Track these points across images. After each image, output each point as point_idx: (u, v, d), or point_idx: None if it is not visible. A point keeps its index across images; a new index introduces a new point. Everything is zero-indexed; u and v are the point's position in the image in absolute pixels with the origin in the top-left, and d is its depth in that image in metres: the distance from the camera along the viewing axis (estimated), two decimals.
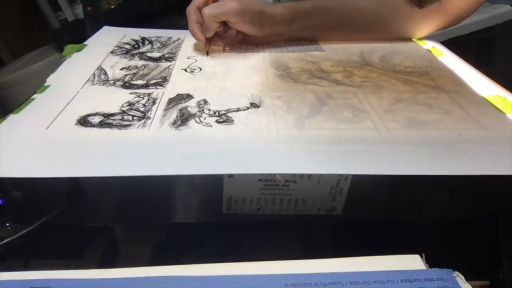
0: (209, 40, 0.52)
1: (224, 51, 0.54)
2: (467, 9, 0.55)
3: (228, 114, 0.38)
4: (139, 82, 0.45)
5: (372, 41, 0.57)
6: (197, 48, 0.54)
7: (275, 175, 0.31)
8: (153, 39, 0.59)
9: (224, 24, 0.51)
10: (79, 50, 0.53)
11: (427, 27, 0.57)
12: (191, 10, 0.52)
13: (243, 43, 0.55)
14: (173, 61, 0.51)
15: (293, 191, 0.32)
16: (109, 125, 0.36)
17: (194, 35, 0.52)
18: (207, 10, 0.49)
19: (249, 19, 0.51)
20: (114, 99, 0.41)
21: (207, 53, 0.52)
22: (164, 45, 0.57)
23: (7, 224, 0.32)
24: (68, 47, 0.54)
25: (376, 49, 0.54)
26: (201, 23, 0.51)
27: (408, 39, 0.58)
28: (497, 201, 0.33)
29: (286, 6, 0.53)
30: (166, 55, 0.53)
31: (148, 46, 0.56)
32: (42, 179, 0.29)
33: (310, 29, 0.56)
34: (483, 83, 0.45)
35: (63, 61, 0.50)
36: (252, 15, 0.51)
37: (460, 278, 0.22)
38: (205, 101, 0.40)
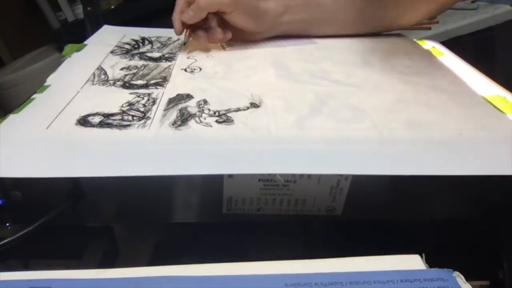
0: (190, 32, 0.51)
1: (223, 49, 0.54)
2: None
3: (228, 114, 0.38)
4: (139, 82, 0.45)
5: (363, 36, 0.58)
6: (194, 47, 0.54)
7: (275, 175, 0.31)
8: (153, 39, 0.59)
9: (208, 20, 0.51)
10: (79, 49, 0.53)
11: (414, 16, 0.58)
12: (180, 0, 0.51)
13: (235, 40, 0.55)
14: (173, 61, 0.51)
15: (293, 191, 0.32)
16: (109, 125, 0.36)
17: (173, 23, 0.51)
18: None
19: (244, 10, 0.50)
20: (114, 99, 0.40)
21: (184, 44, 0.52)
22: (164, 45, 0.57)
23: (7, 224, 0.32)
24: (68, 47, 0.54)
25: (376, 49, 0.54)
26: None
27: (396, 28, 0.60)
28: (497, 201, 0.33)
29: (278, 0, 0.53)
30: (166, 55, 0.53)
31: (148, 46, 0.56)
32: (42, 179, 0.29)
33: (302, 23, 0.56)
34: (483, 83, 0.45)
35: (63, 61, 0.50)
36: (247, 8, 0.51)
37: (460, 278, 0.22)
38: (205, 101, 0.40)
